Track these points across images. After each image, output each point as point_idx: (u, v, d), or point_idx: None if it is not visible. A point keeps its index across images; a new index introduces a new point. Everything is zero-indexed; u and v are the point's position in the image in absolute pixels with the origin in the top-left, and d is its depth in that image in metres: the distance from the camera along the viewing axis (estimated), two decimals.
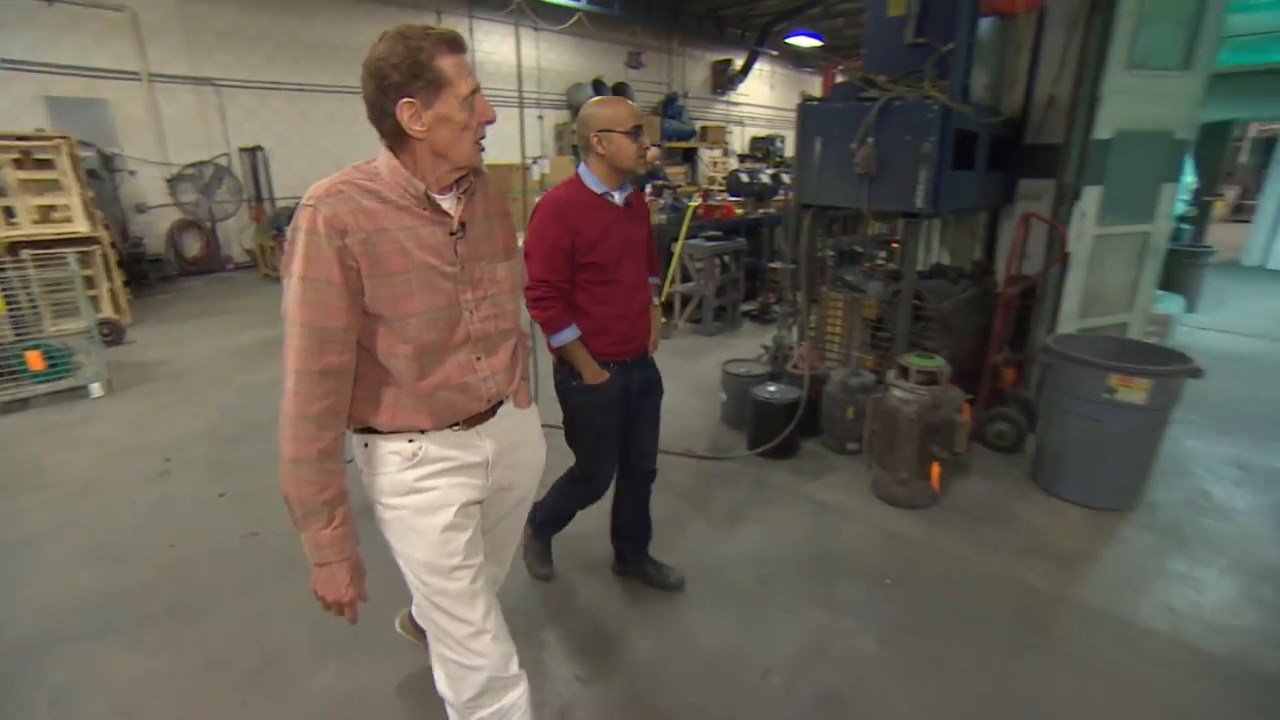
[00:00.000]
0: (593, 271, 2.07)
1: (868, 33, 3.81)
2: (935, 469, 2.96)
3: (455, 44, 1.21)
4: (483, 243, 1.39)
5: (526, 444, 1.61)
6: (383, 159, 1.27)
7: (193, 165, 8.60)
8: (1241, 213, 13.86)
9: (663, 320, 5.76)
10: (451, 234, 1.32)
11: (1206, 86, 3.70)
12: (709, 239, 5.85)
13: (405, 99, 1.18)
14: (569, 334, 2.09)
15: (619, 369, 2.17)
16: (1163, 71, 3.62)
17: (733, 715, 2.00)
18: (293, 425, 1.22)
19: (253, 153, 8.94)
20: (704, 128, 14.13)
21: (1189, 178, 6.88)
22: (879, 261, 4.94)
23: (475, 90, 1.24)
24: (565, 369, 2.17)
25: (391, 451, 1.36)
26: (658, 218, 6.01)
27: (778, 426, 3.45)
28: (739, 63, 15.71)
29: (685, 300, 6.05)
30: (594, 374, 2.13)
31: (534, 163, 9.23)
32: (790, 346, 3.96)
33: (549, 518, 2.52)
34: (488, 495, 1.52)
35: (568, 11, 10.70)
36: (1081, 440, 3.05)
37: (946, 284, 3.83)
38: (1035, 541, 2.85)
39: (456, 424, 1.40)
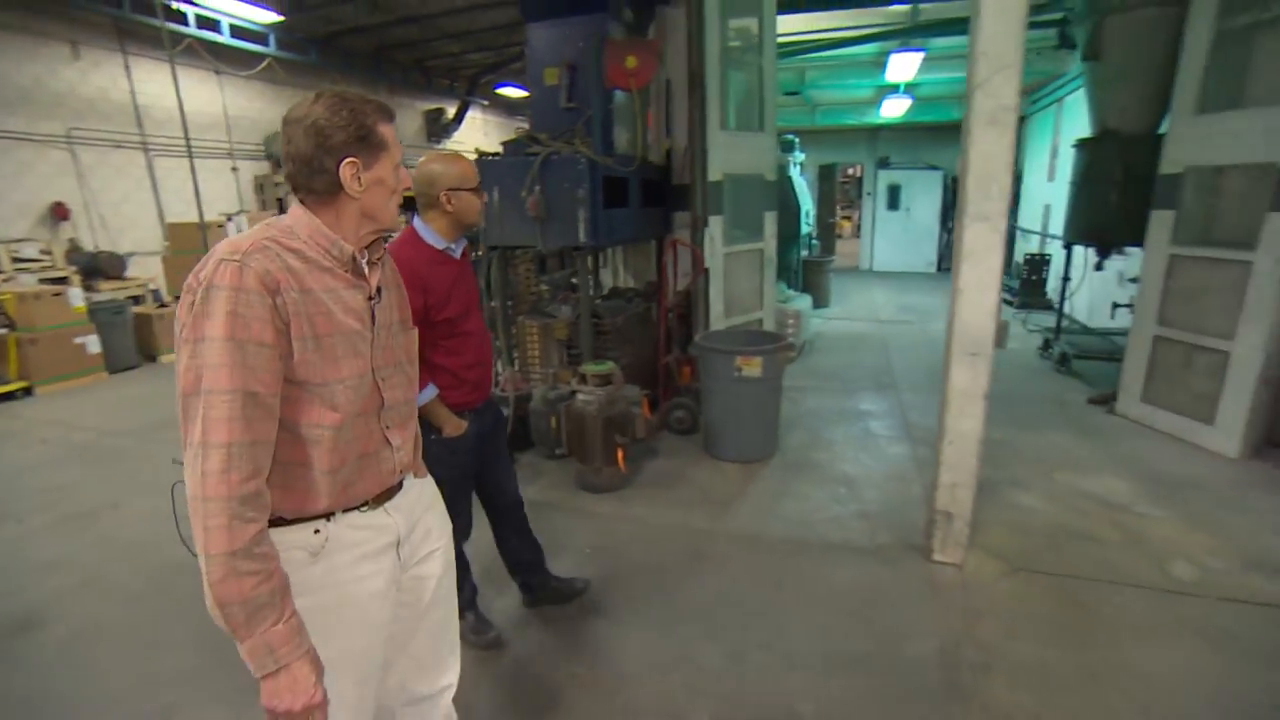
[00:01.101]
0: (445, 327, 2.09)
1: (533, 97, 4.48)
2: (620, 454, 3.58)
3: (391, 114, 1.27)
4: (390, 310, 1.38)
5: (432, 510, 1.54)
6: (298, 218, 1.22)
7: None
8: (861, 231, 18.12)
9: None
10: (369, 299, 1.30)
11: (776, 142, 5.05)
12: None
13: (349, 159, 1.19)
14: (429, 393, 2.08)
15: (474, 415, 2.22)
16: (747, 131, 4.87)
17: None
18: (225, 510, 1.05)
19: None
20: None
21: (809, 205, 8.98)
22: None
23: (401, 158, 1.30)
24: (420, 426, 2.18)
25: (294, 546, 1.21)
26: None
27: None
28: (451, 111, 16.11)
29: None
30: (455, 426, 2.14)
31: (230, 219, 8.49)
32: (498, 374, 4.39)
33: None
34: (401, 582, 1.41)
35: (256, 56, 10.07)
36: (727, 411, 3.96)
37: (623, 302, 4.60)
38: (701, 495, 3.63)
39: (365, 503, 1.32)
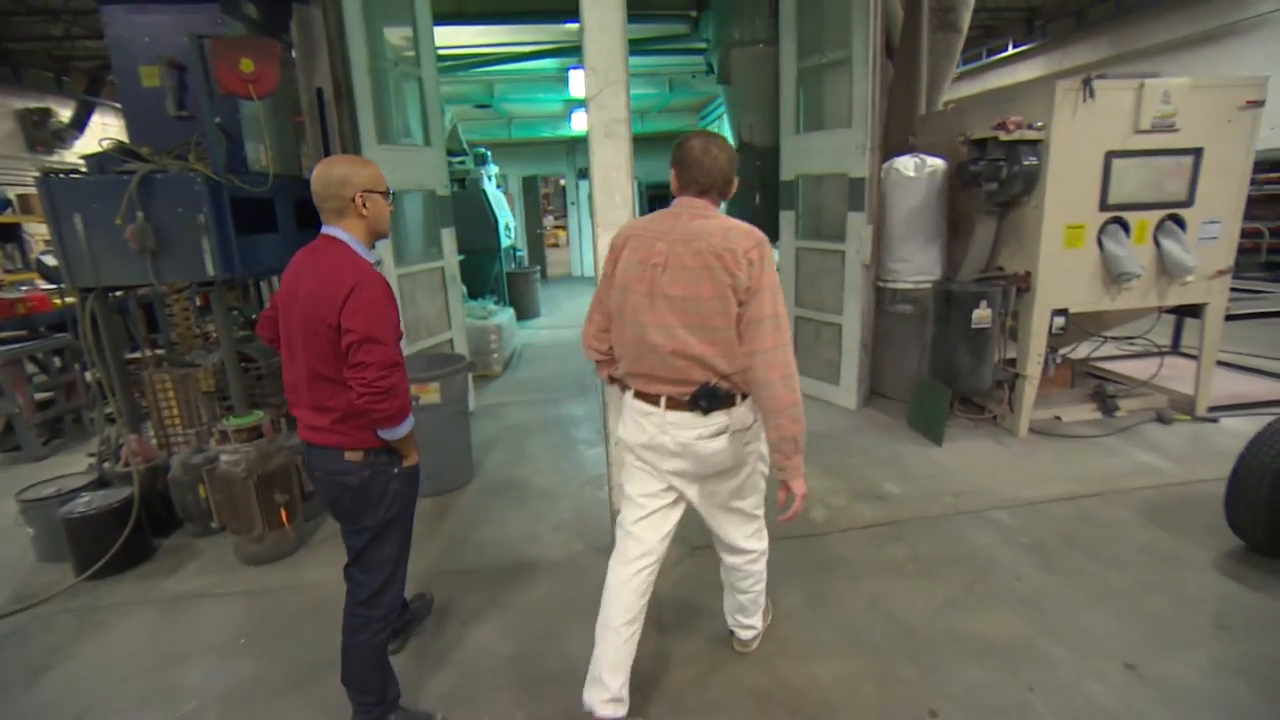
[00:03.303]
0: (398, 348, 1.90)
1: (126, 100, 3.67)
2: (285, 515, 3.10)
3: None
4: None
5: None
6: (717, 208, 1.93)
7: None
8: None
9: None
10: None
11: (445, 157, 4.90)
12: (2, 342, 4.65)
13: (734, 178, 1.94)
14: (411, 419, 1.96)
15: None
16: (411, 146, 4.63)
17: None
18: (796, 378, 1.80)
19: None
20: (24, 196, 11.05)
21: (508, 217, 9.02)
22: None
23: None
24: (380, 459, 1.95)
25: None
26: None
27: (109, 538, 3.03)
28: (66, 115, 12.88)
29: None
30: (416, 455, 2.06)
31: None
32: (119, 444, 3.53)
33: (377, 690, 2.05)
34: None
35: None
36: None
37: None
38: None
39: None
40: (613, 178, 2.71)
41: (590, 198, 2.78)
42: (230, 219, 3.38)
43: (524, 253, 10.11)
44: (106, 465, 3.54)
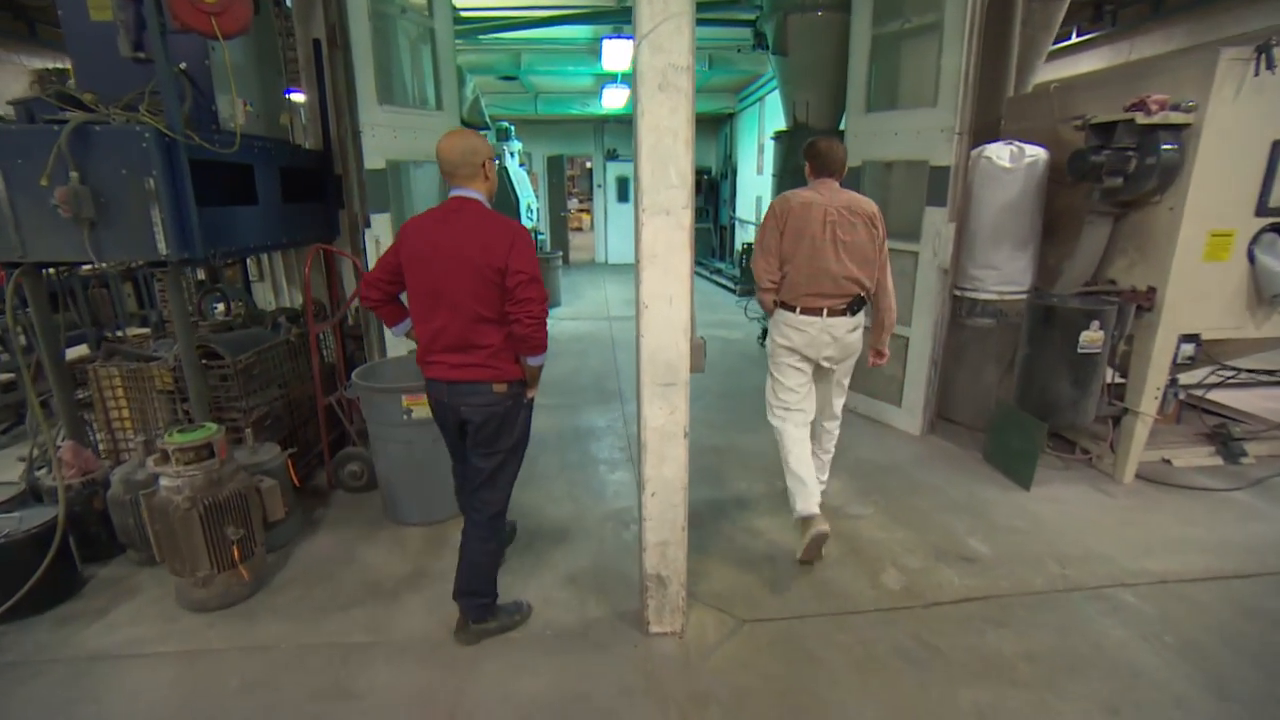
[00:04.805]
0: None
1: (70, 37, 3.08)
2: (237, 552, 2.51)
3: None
4: None
5: None
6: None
7: None
8: None
9: None
10: None
11: (459, 123, 4.25)
12: None
13: None
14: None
15: None
16: (419, 110, 3.98)
17: None
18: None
19: None
20: None
21: (530, 198, 8.36)
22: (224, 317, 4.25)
23: None
24: (517, 389, 2.23)
25: None
26: None
27: (22, 571, 2.47)
28: None
29: None
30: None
31: None
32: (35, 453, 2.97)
33: (491, 591, 2.39)
34: None
35: None
36: (402, 463, 3.08)
37: (260, 332, 3.43)
38: (367, 587, 2.71)
39: None
40: (667, 145, 2.03)
41: (635, 175, 2.11)
42: (190, 185, 2.76)
43: (546, 236, 9.49)
44: (40, 474, 2.98)
